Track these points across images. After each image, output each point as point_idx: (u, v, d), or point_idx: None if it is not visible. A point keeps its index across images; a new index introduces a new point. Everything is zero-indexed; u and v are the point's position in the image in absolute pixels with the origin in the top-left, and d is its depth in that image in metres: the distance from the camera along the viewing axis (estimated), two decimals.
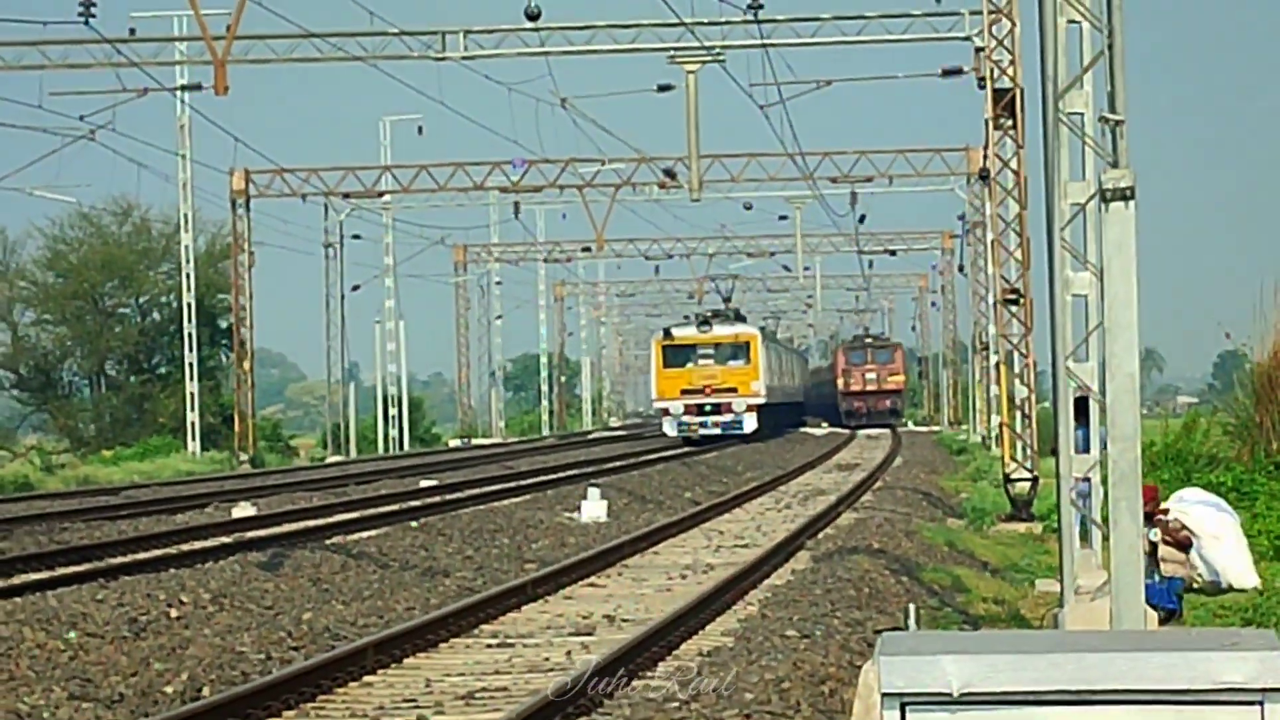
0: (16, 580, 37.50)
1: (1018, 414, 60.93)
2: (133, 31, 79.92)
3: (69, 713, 23.58)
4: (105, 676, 26.58)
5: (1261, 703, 10.84)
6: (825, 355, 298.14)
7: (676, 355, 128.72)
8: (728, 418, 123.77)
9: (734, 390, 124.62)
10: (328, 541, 44.58)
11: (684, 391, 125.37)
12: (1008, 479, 59.61)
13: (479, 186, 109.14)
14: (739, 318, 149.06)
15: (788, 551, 44.04)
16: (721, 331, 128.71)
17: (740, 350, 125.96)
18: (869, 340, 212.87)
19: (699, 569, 40.97)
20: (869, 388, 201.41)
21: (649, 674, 26.81)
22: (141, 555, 42.39)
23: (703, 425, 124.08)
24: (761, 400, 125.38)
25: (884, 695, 11.15)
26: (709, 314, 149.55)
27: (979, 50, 62.99)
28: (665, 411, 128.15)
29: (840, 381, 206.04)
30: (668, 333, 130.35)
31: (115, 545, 45.42)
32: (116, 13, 69.53)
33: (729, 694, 24.06)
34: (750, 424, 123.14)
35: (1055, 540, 27.69)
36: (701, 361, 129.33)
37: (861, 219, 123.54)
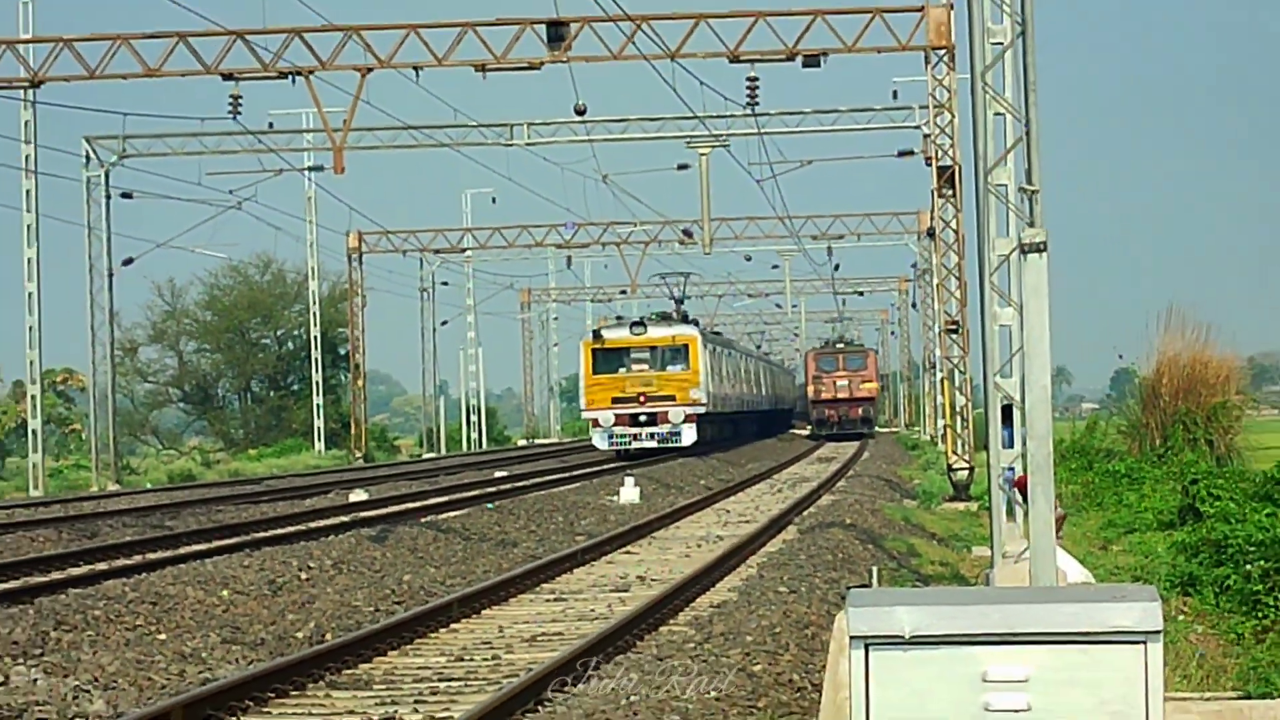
0: (182, 550, 37.48)
1: (958, 418, 60.76)
2: (271, 125, 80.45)
3: (222, 654, 23.51)
4: (250, 625, 26.56)
5: (1145, 642, 10.81)
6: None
7: (607, 360, 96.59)
8: (664, 429, 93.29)
9: (671, 399, 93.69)
10: (423, 519, 44.49)
11: (615, 400, 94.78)
12: (950, 468, 59.48)
13: (539, 244, 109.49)
14: (685, 319, 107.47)
15: (780, 525, 43.98)
16: (657, 333, 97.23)
17: (678, 354, 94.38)
18: (840, 346, 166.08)
19: (710, 540, 40.91)
20: (840, 395, 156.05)
21: (672, 621, 26.76)
22: (278, 530, 42.36)
23: (635, 438, 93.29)
24: (703, 409, 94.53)
25: (852, 638, 11.10)
26: (655, 315, 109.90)
27: (926, 136, 62.86)
28: (595, 423, 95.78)
29: (810, 389, 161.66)
30: (597, 335, 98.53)
31: (258, 523, 45.42)
32: (258, 109, 69.55)
33: (734, 636, 24.03)
34: (689, 436, 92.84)
35: (987, 516, 27.59)
36: (635, 367, 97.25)
37: (836, 267, 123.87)
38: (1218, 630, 30.21)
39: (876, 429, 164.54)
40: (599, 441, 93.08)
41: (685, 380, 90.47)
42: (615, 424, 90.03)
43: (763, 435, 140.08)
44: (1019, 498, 24.94)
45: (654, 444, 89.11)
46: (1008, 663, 10.89)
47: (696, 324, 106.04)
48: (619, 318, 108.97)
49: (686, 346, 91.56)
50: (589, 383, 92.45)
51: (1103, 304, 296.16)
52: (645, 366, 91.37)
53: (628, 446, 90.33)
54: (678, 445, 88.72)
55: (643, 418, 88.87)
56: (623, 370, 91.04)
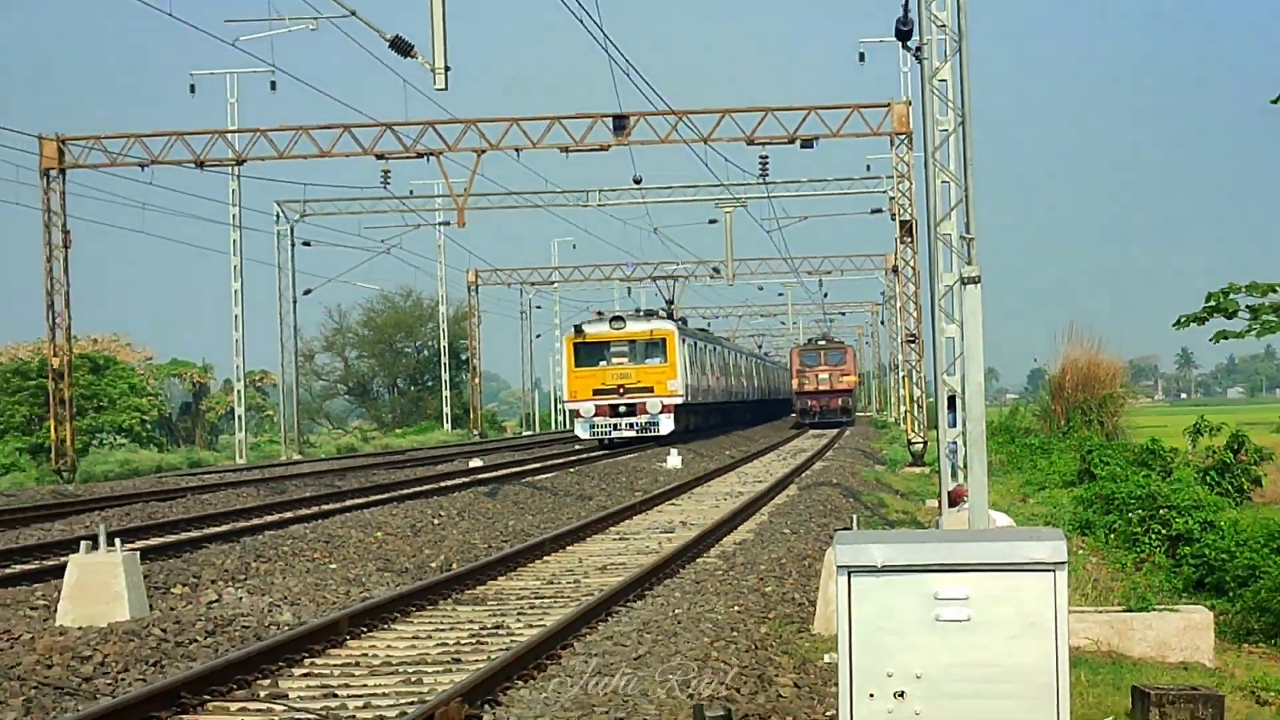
0: (348, 503, 37.41)
1: (915, 405, 60.60)
2: (411, 192, 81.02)
3: (377, 579, 23.52)
4: (397, 557, 26.52)
5: (1054, 571, 10.75)
6: None
7: (589, 353, 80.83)
8: (642, 419, 77.64)
9: (649, 390, 78.01)
10: (523, 480, 44.36)
11: (596, 392, 79.39)
12: (909, 442, 59.21)
13: (607, 278, 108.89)
14: (669, 315, 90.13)
15: (784, 484, 43.76)
16: (635, 328, 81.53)
17: (655, 347, 79.25)
18: (821, 343, 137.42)
19: (734, 495, 40.70)
20: (822, 387, 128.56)
21: (704, 554, 26.68)
22: (417, 488, 42.22)
23: (615, 427, 78.12)
24: (679, 400, 78.78)
25: (838, 567, 11.04)
26: (642, 311, 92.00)
27: (891, 198, 62.74)
28: (577, 413, 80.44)
29: (795, 382, 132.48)
30: (579, 329, 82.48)
31: (402, 483, 45.30)
32: (402, 180, 70.15)
33: (750, 565, 23.97)
34: (667, 425, 77.01)
35: (937, 477, 27.41)
36: (615, 360, 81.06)
37: (825, 295, 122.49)
38: (1107, 561, 30.09)
39: (856, 416, 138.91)
40: (581, 431, 76.91)
41: (662, 373, 75.44)
42: (596, 414, 74.90)
43: (756, 422, 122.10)
44: (955, 504, 24.93)
45: (633, 433, 74.20)
46: (953, 585, 10.84)
47: (679, 320, 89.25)
48: (599, 313, 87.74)
49: (664, 340, 76.45)
50: (571, 375, 77.46)
51: (1022, 320, 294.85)
52: (624, 360, 76.33)
53: (608, 436, 74.94)
54: (655, 434, 73.78)
55: (622, 408, 74.16)
56: (603, 363, 75.86)
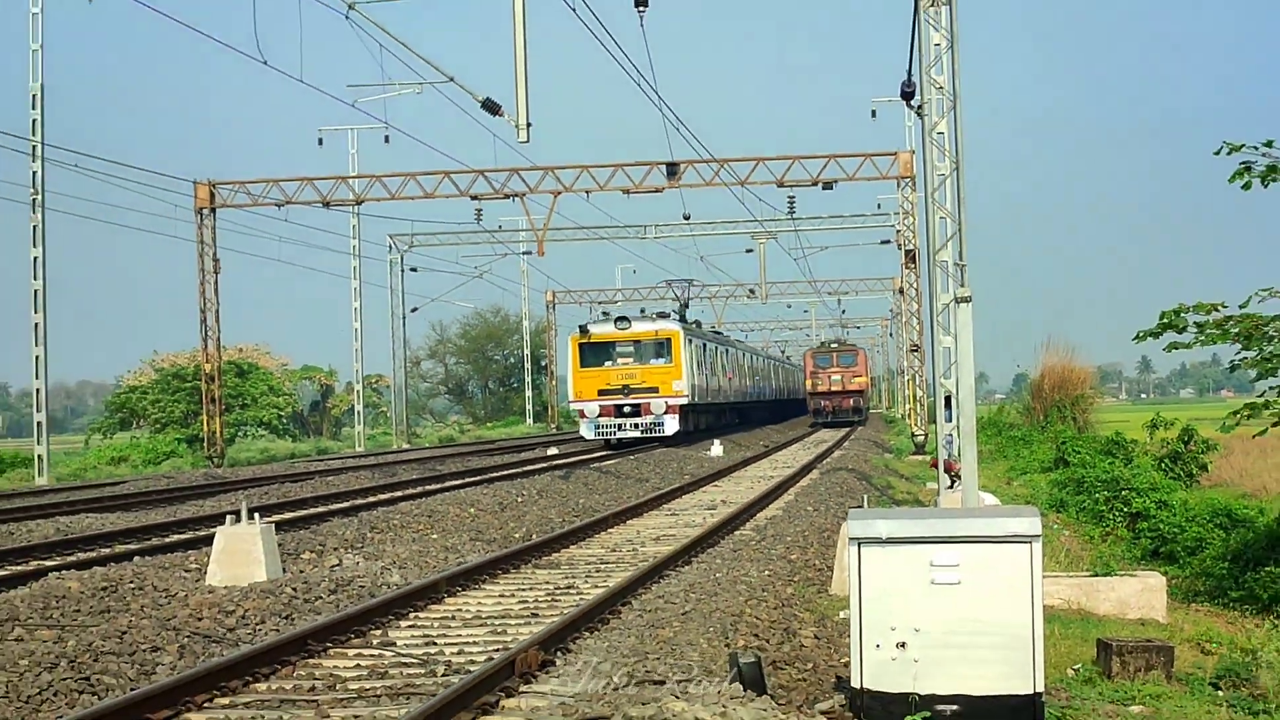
0: (447, 484, 37.47)
1: (918, 404, 60.37)
2: (500, 226, 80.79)
3: (470, 547, 23.54)
4: (486, 529, 26.55)
5: (1031, 542, 10.71)
6: None
7: (594, 354, 69.67)
8: (647, 419, 66.98)
9: (654, 390, 67.39)
10: (591, 465, 44.36)
11: (601, 392, 68.58)
12: (913, 435, 59.09)
13: (662, 298, 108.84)
14: (681, 318, 77.56)
15: (808, 470, 43.62)
16: (640, 329, 70.89)
17: (661, 348, 68.93)
18: (834, 345, 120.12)
19: (766, 478, 40.57)
20: (834, 388, 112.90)
21: (741, 527, 26.63)
22: (505, 472, 42.24)
23: (620, 428, 67.13)
24: (684, 400, 67.84)
25: (850, 539, 11.02)
26: (653, 314, 75.31)
27: (898, 231, 62.43)
28: (582, 414, 68.70)
29: (809, 383, 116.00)
30: (584, 330, 71.44)
31: (492, 467, 45.35)
32: (492, 216, 70.09)
33: (779, 537, 23.92)
34: (671, 426, 66.22)
35: (937, 464, 27.34)
36: (620, 360, 69.83)
37: (843, 311, 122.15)
38: (1078, 535, 29.99)
39: (869, 414, 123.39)
40: (586, 431, 65.50)
41: (667, 373, 64.39)
42: (600, 414, 64.23)
43: (773, 421, 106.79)
44: (947, 474, 24.86)
45: (638, 434, 63.57)
46: (946, 554, 10.81)
47: (693, 323, 76.90)
48: (605, 313, 77.50)
49: (669, 341, 65.23)
50: (576, 375, 65.85)
51: (1009, 332, 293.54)
52: (630, 360, 65.33)
53: (613, 436, 64.21)
54: (661, 435, 63.27)
55: (627, 408, 63.83)
56: (608, 364, 64.78)
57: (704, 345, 72.08)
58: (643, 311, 70.63)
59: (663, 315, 69.60)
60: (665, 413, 63.15)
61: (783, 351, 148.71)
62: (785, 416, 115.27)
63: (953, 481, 24.50)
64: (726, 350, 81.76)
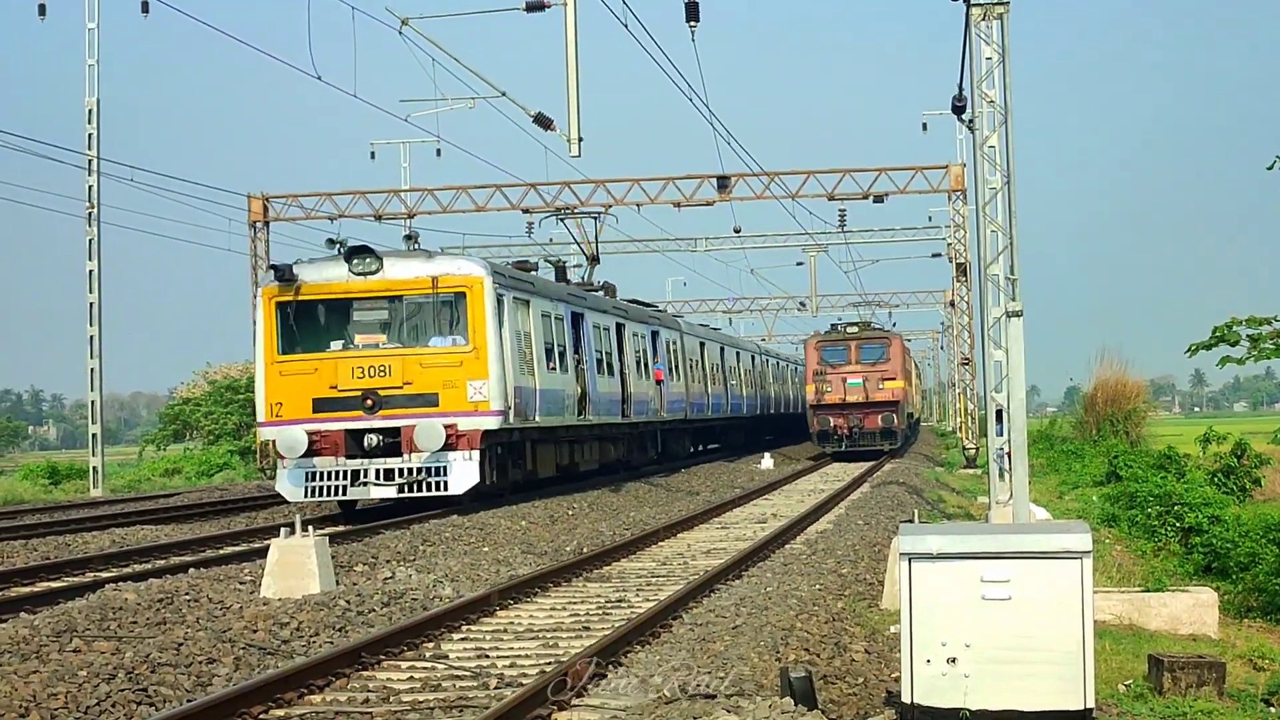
0: (502, 501, 37.59)
1: (969, 417, 60.16)
2: (550, 240, 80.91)
3: (522, 559, 23.62)
4: (537, 542, 26.59)
5: (1082, 558, 10.73)
6: None
7: (305, 325, 31.15)
8: (410, 463, 29.67)
9: (428, 401, 29.65)
10: (642, 478, 44.38)
11: (318, 404, 30.15)
12: (964, 448, 58.87)
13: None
14: (559, 275, 45.02)
15: (859, 484, 43.45)
16: (401, 272, 30.65)
17: (446, 311, 30.51)
18: (851, 329, 66.42)
19: (817, 491, 40.50)
20: (851, 398, 63.11)
21: (791, 541, 26.62)
22: (557, 488, 42.35)
23: (355, 480, 30.04)
24: (496, 421, 30.58)
25: (901, 554, 11.07)
26: (409, 240, 33.42)
27: (949, 244, 62.26)
28: (278, 451, 30.72)
29: (811, 389, 64.81)
30: (284, 274, 31.01)
31: (546, 481, 45.44)
32: (545, 229, 70.31)
33: (830, 550, 23.93)
34: (462, 475, 29.99)
35: (986, 477, 27.28)
36: (360, 338, 30.91)
37: (894, 325, 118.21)
38: (1130, 550, 29.86)
39: (912, 434, 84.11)
40: (287, 487, 31.29)
41: (459, 363, 31.07)
42: (316, 450, 30.67)
43: (754, 447, 68.83)
44: (1008, 464, 24.80)
45: (391, 491, 31.21)
46: (996, 570, 10.84)
47: (557, 264, 47.94)
48: (331, 241, 33.03)
49: (460, 297, 31.45)
50: (270, 372, 31.66)
51: (1060, 344, 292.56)
52: (380, 336, 31.98)
53: (338, 497, 31.92)
54: (441, 494, 31.18)
55: (372, 439, 30.79)
56: (336, 345, 31.52)
57: (573, 316, 39.17)
58: (410, 241, 33.59)
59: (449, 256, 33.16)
60: (447, 448, 30.74)
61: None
62: (783, 438, 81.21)
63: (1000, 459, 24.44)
64: (652, 334, 48.63)
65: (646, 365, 46.99)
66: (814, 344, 63.51)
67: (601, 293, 45.07)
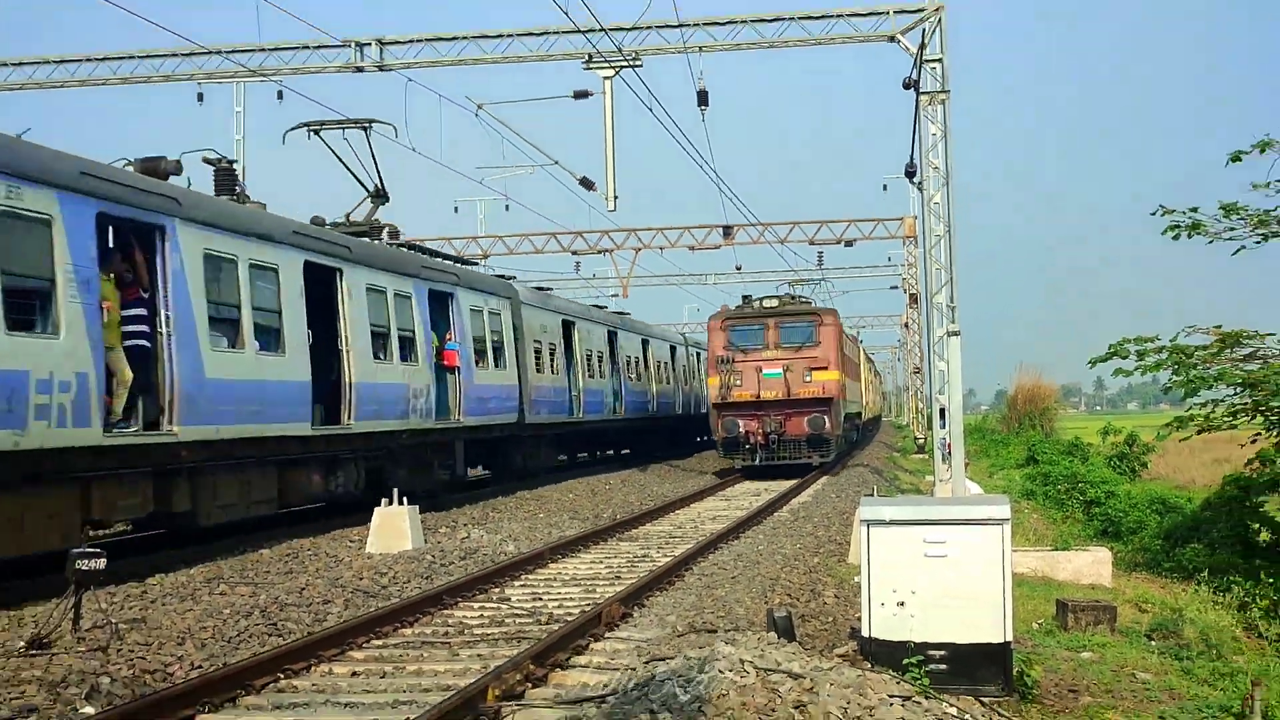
0: (553, 477, 37.49)
1: (920, 414, 59.97)
2: (594, 275, 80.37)
3: (569, 524, 23.58)
4: (581, 510, 26.51)
5: (1003, 524, 10.68)
6: None
7: None
8: None
9: None
10: (663, 460, 44.16)
11: None
12: (915, 438, 58.72)
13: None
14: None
15: (839, 464, 43.20)
16: None
17: None
18: (770, 304, 34.49)
19: (806, 468, 40.36)
20: (767, 394, 32.59)
21: (779, 511, 26.50)
22: (595, 466, 42.16)
23: None
24: None
25: (861, 521, 11.04)
26: None
27: (904, 279, 62.15)
28: None
29: (714, 385, 33.75)
30: None
31: (585, 463, 45.09)
32: (588, 267, 70.16)
33: (809, 518, 23.84)
34: None
35: (933, 461, 27.18)
36: None
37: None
38: (1043, 517, 29.76)
39: (855, 444, 52.76)
40: None
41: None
42: None
43: (669, 454, 47.27)
44: (948, 450, 24.73)
45: None
46: (936, 534, 10.79)
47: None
48: None
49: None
50: None
51: (991, 357, 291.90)
52: None
53: None
54: None
55: None
56: None
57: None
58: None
59: None
60: None
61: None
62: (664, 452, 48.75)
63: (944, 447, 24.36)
64: (432, 294, 25.77)
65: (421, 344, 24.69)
66: (719, 323, 36.56)
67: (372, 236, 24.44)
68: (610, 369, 39.96)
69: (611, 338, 40.53)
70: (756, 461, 35.37)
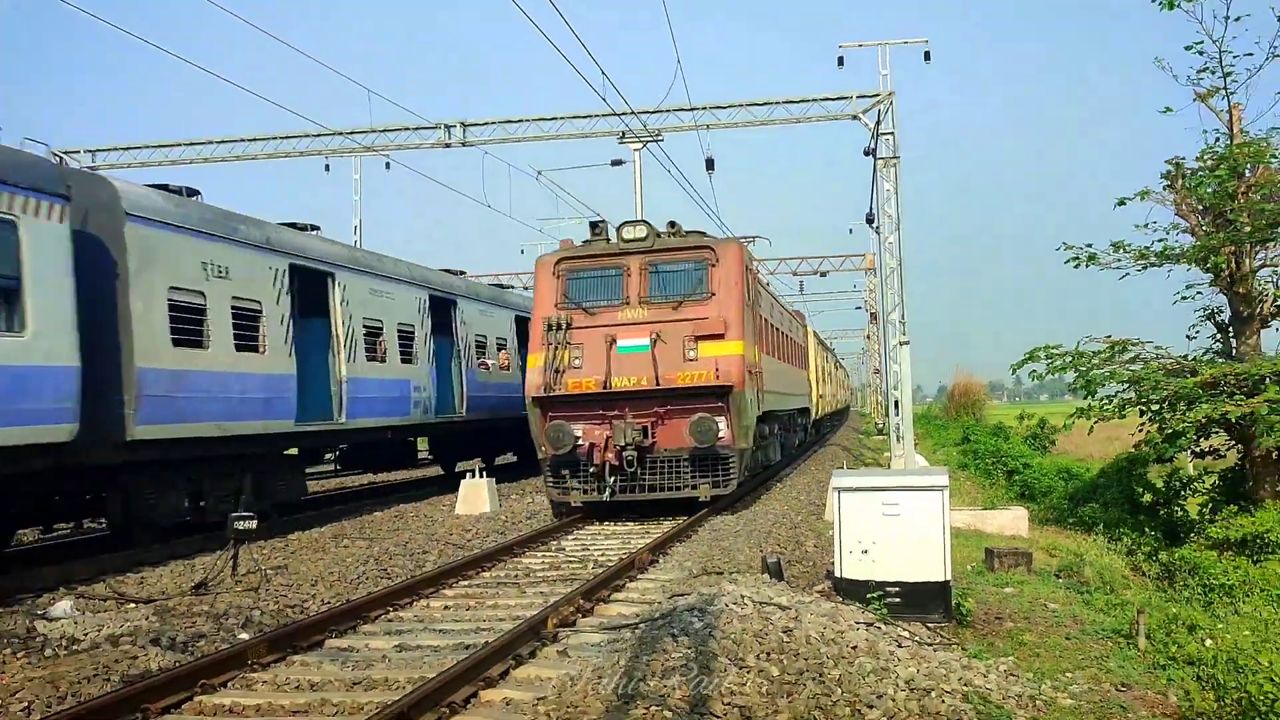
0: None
1: (879, 405, 59.58)
2: None
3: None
4: None
5: (943, 490, 10.61)
6: None
7: None
8: None
9: None
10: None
11: None
12: (876, 424, 58.31)
13: None
14: None
15: (821, 444, 42.85)
16: None
17: None
18: (633, 238, 11.84)
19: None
20: (625, 381, 11.42)
21: (776, 481, 26.32)
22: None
23: None
24: None
25: (833, 487, 10.98)
26: None
27: (866, 301, 61.79)
28: None
29: (535, 366, 12.33)
30: None
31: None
32: None
33: (794, 485, 23.66)
34: None
35: (889, 441, 27.01)
36: None
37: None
38: (975, 484, 29.57)
39: (795, 462, 28.09)
40: None
41: None
42: None
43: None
44: (901, 433, 24.59)
45: None
46: (891, 497, 10.72)
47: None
48: None
49: None
50: None
51: (935, 360, 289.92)
52: None
53: None
54: None
55: None
56: None
57: None
58: None
59: None
60: None
61: None
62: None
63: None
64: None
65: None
66: (551, 266, 16.18)
67: None
68: (432, 351, 21.64)
69: (440, 308, 22.67)
70: (605, 495, 16.16)
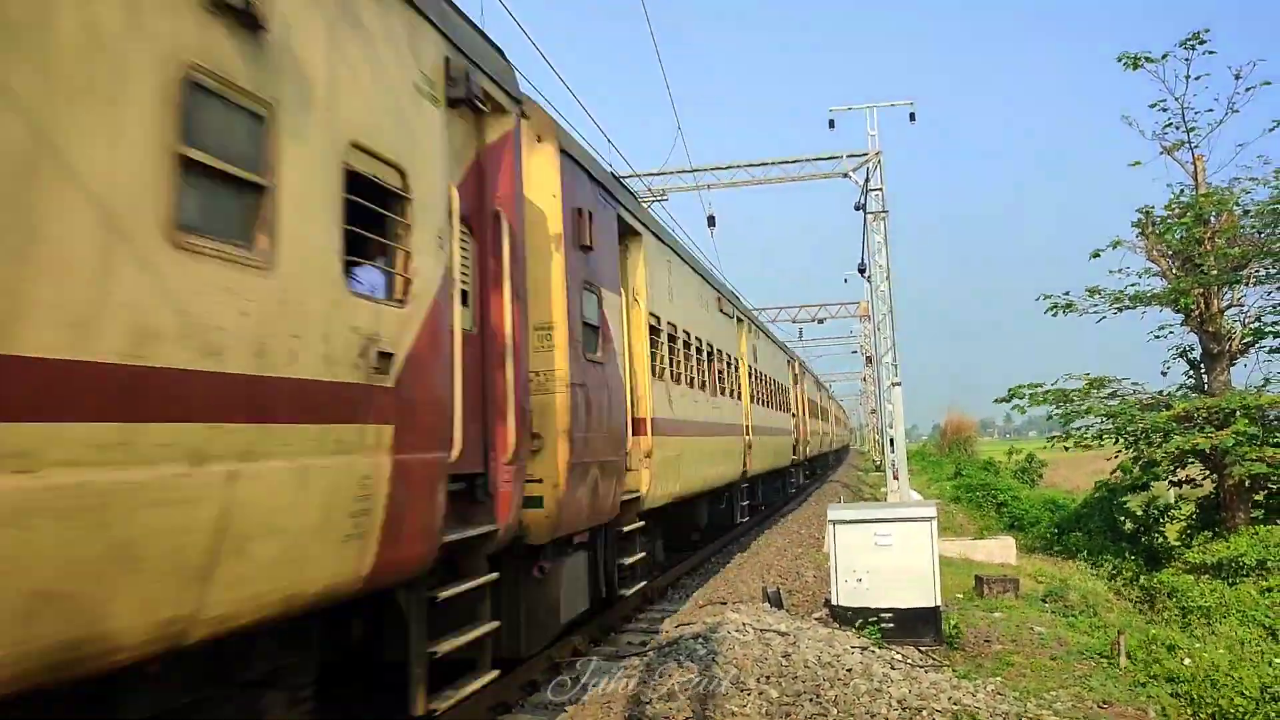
0: None
1: (877, 442, 59.40)
2: None
3: None
4: None
5: (931, 521, 10.62)
6: None
7: None
8: None
9: None
10: None
11: None
12: (874, 461, 58.10)
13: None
14: None
15: (825, 480, 42.66)
16: None
17: None
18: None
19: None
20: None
21: (782, 515, 26.23)
22: None
23: None
24: None
25: (829, 520, 10.99)
26: None
27: (861, 345, 61.81)
28: None
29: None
30: None
31: None
32: None
33: (801, 519, 23.60)
34: None
35: (886, 476, 26.95)
36: None
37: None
38: (966, 515, 29.43)
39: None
40: None
41: None
42: None
43: None
44: (897, 468, 24.55)
45: None
46: (884, 529, 10.72)
47: None
48: None
49: None
50: None
51: (928, 399, 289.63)
52: None
53: None
54: None
55: None
56: None
57: None
58: None
59: None
60: None
61: None
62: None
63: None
64: None
65: None
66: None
67: None
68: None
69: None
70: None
